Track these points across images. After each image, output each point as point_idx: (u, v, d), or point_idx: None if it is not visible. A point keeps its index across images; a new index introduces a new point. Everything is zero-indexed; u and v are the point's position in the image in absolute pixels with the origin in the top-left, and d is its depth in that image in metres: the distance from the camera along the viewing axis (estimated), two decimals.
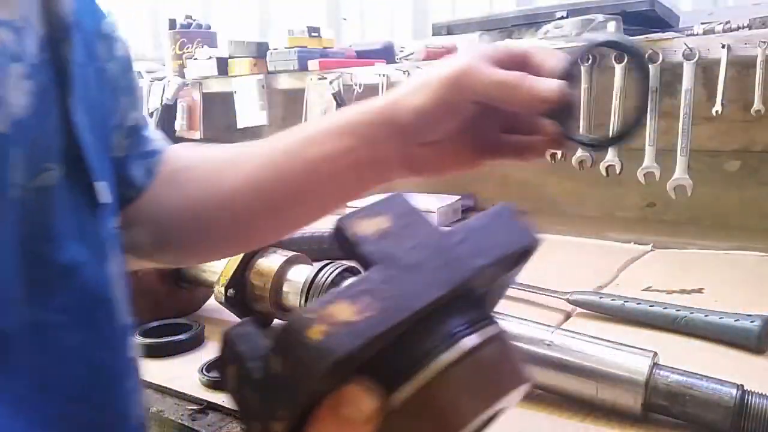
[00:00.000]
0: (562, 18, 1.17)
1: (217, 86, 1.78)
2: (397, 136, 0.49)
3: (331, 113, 0.52)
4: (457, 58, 0.48)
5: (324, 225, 1.08)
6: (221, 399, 0.58)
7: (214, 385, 0.60)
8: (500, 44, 0.52)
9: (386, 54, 1.63)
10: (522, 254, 0.34)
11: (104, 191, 0.40)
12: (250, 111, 1.69)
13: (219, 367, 0.33)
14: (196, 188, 0.52)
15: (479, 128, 0.52)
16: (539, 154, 0.54)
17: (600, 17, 1.13)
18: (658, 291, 0.83)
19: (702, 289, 0.84)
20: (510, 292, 0.83)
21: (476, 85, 0.46)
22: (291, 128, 0.52)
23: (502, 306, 0.65)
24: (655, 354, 0.52)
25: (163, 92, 1.85)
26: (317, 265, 0.70)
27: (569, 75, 0.46)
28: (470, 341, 0.27)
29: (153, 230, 0.51)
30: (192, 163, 0.53)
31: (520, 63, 0.48)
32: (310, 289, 0.68)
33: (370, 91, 1.49)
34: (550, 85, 0.45)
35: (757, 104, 1.02)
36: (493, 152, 0.55)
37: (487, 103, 0.48)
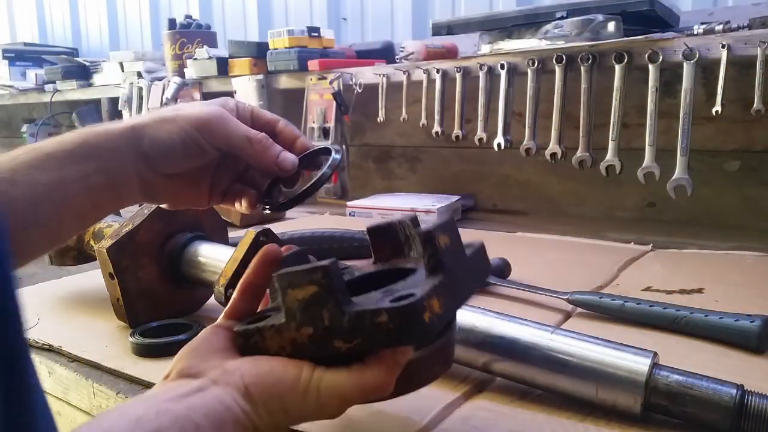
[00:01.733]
0: (562, 18, 1.17)
1: (217, 86, 1.78)
2: (137, 163, 0.51)
3: (76, 133, 0.50)
4: (211, 105, 0.54)
5: (324, 225, 1.07)
6: None
7: None
8: (255, 108, 0.60)
9: (386, 54, 1.64)
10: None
11: None
12: None
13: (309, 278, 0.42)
14: None
15: (216, 172, 0.58)
16: (250, 206, 0.60)
17: (600, 17, 1.13)
18: (658, 291, 0.83)
19: (702, 289, 0.84)
20: (510, 292, 0.83)
21: (227, 134, 0.53)
22: (18, 148, 0.49)
23: (502, 306, 0.65)
24: (655, 354, 0.52)
25: (163, 92, 1.85)
26: None
27: (309, 159, 0.58)
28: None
29: None
30: None
31: (270, 129, 0.57)
32: None
33: (370, 90, 1.49)
34: (291, 158, 0.56)
35: (757, 104, 1.02)
36: (223, 196, 0.60)
37: (231, 152, 0.55)
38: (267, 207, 0.61)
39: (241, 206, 0.60)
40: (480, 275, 0.51)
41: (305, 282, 0.41)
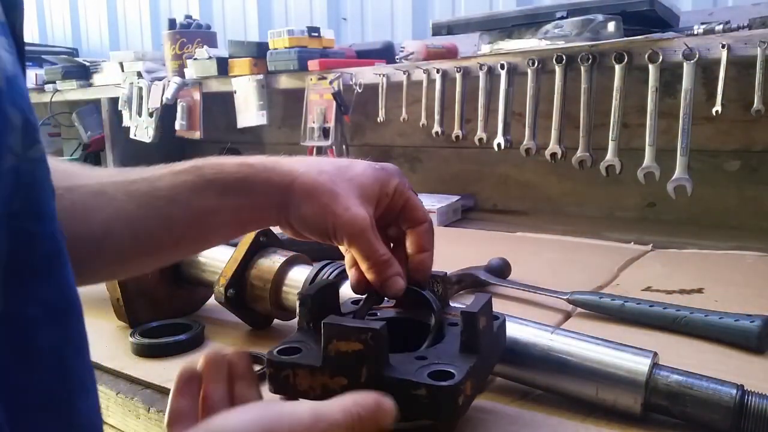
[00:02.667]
0: (562, 18, 1.17)
1: (217, 86, 1.78)
2: (280, 217, 0.53)
3: (237, 165, 0.54)
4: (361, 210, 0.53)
5: None
6: None
7: None
8: (411, 199, 0.61)
9: (386, 54, 1.63)
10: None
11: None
12: (250, 111, 1.69)
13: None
14: (63, 218, 0.50)
15: None
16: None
17: (600, 17, 1.13)
18: (658, 291, 0.83)
19: (702, 289, 0.84)
20: (511, 292, 0.83)
21: (360, 246, 0.52)
22: (176, 165, 0.54)
23: (502, 306, 0.65)
24: (655, 354, 0.52)
25: (163, 92, 1.85)
26: (317, 265, 0.70)
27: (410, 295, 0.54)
28: None
29: None
30: (66, 185, 0.50)
31: (410, 226, 0.59)
32: None
33: (370, 90, 1.49)
34: (398, 286, 0.53)
35: (757, 104, 1.02)
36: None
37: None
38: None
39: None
40: (500, 350, 0.53)
41: (353, 338, 0.43)
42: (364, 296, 0.55)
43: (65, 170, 0.51)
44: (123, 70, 2.05)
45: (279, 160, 0.54)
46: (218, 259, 0.76)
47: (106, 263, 0.52)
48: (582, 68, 1.16)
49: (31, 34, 3.12)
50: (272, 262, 0.72)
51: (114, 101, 2.08)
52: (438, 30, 1.35)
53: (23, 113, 0.30)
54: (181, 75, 1.85)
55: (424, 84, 1.40)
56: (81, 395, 0.36)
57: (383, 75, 1.46)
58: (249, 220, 0.55)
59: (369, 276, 0.53)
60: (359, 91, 1.51)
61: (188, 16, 1.99)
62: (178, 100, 1.85)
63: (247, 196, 0.52)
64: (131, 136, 2.00)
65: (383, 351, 0.44)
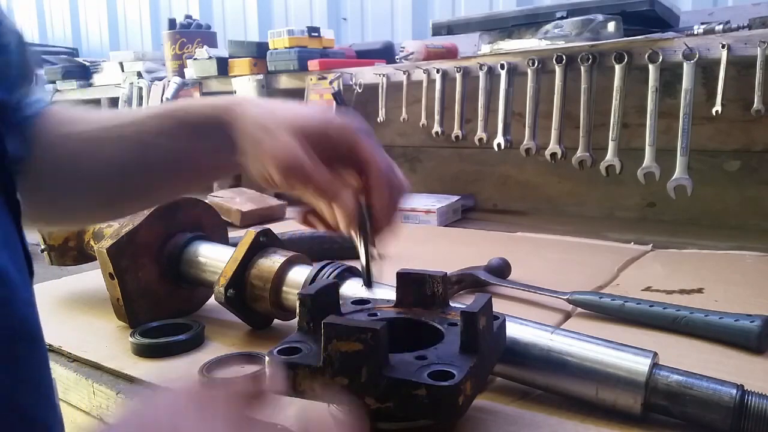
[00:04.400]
0: (562, 18, 1.17)
1: (217, 86, 1.78)
2: (234, 154, 0.53)
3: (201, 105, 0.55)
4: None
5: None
6: None
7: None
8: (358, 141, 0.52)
9: (386, 54, 1.63)
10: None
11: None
12: None
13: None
14: (68, 162, 0.53)
15: None
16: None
17: (600, 17, 1.13)
18: (658, 291, 0.83)
19: (702, 289, 0.84)
20: (511, 292, 0.83)
21: (295, 172, 0.50)
22: (140, 110, 0.58)
23: (502, 306, 0.65)
24: (655, 354, 0.52)
25: (163, 92, 1.85)
26: (317, 265, 0.70)
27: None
28: None
29: (37, 197, 0.52)
30: (65, 131, 0.54)
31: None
32: None
33: (370, 90, 1.49)
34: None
35: (757, 104, 1.02)
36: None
37: None
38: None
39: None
40: (500, 350, 0.53)
41: (353, 338, 0.43)
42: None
43: (70, 118, 0.55)
44: (123, 70, 2.05)
45: (230, 101, 0.54)
46: (218, 259, 0.76)
47: (97, 206, 0.57)
48: (582, 68, 1.16)
49: (31, 34, 3.12)
50: (272, 262, 0.72)
51: (114, 101, 2.08)
52: (438, 30, 1.35)
53: None
54: (181, 75, 1.85)
55: (424, 84, 1.40)
56: None
57: (383, 75, 1.46)
58: (215, 164, 0.57)
59: (321, 206, 0.53)
60: (359, 91, 1.51)
61: (188, 16, 1.99)
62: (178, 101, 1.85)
63: (208, 138, 0.53)
64: None
65: (383, 351, 0.44)
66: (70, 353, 0.70)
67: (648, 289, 0.85)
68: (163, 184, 0.57)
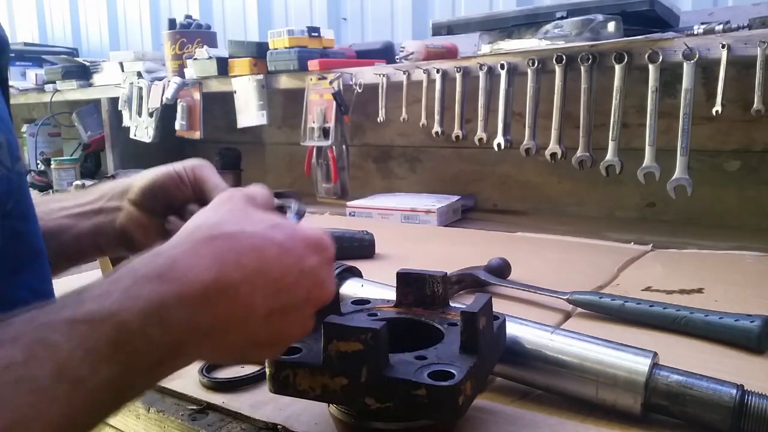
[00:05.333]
0: (562, 18, 1.17)
1: (217, 86, 1.78)
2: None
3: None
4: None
5: (324, 225, 1.08)
6: (221, 400, 0.58)
7: (214, 387, 0.60)
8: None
9: (386, 54, 1.63)
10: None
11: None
12: (250, 111, 1.69)
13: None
14: None
15: None
16: None
17: (600, 17, 1.13)
18: (658, 291, 0.83)
19: (702, 289, 0.84)
20: (511, 292, 0.83)
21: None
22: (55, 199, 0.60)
23: (502, 306, 0.65)
24: (655, 354, 0.52)
25: (163, 92, 1.85)
26: None
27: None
28: None
29: None
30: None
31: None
32: None
33: (370, 90, 1.49)
34: None
35: (757, 104, 1.02)
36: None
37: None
38: None
39: None
40: (500, 350, 0.54)
41: (353, 338, 0.43)
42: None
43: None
44: (123, 70, 2.05)
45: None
46: None
47: None
48: (582, 68, 1.16)
49: (31, 34, 3.12)
50: None
51: (114, 101, 2.08)
52: (438, 30, 1.35)
53: (6, 135, 0.38)
54: (181, 75, 1.85)
55: (424, 84, 1.40)
56: None
57: (383, 75, 1.46)
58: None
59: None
60: (359, 91, 1.51)
61: (188, 16, 1.99)
62: (178, 100, 1.85)
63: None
64: (131, 136, 2.00)
65: (383, 351, 0.44)
66: None
67: (648, 289, 0.85)
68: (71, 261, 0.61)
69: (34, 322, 0.31)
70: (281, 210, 0.55)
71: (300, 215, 0.54)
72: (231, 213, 0.42)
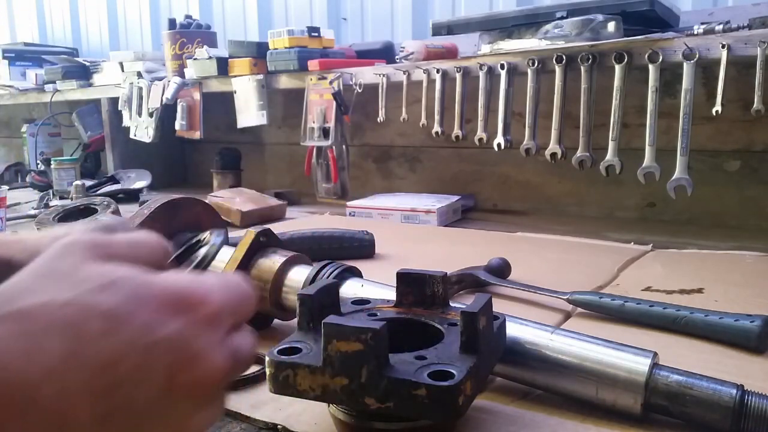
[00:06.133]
0: (562, 18, 1.17)
1: (217, 86, 1.78)
2: None
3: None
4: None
5: (324, 225, 1.07)
6: None
7: None
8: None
9: (386, 54, 1.63)
10: None
11: None
12: (250, 111, 1.69)
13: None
14: None
15: None
16: None
17: (600, 17, 1.13)
18: (658, 291, 0.83)
19: (702, 289, 0.84)
20: (510, 292, 0.83)
21: None
22: None
23: (502, 306, 0.65)
24: (655, 354, 0.52)
25: (163, 92, 1.85)
26: (317, 265, 0.70)
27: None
28: None
29: None
30: None
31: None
32: None
33: (370, 90, 1.49)
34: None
35: (757, 104, 1.02)
36: None
37: None
38: None
39: None
40: (500, 350, 0.54)
41: (353, 338, 0.43)
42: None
43: None
44: (123, 70, 2.05)
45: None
46: (218, 259, 0.76)
47: None
48: (582, 68, 1.16)
49: (31, 34, 3.12)
50: (272, 262, 0.72)
51: (114, 101, 2.08)
52: (438, 30, 1.35)
53: None
54: (181, 75, 1.85)
55: (424, 84, 1.40)
56: None
57: (383, 75, 1.46)
58: None
59: None
60: (359, 91, 1.51)
61: (188, 16, 1.99)
62: (178, 100, 1.85)
63: None
64: (131, 136, 2.00)
65: (383, 351, 0.44)
66: None
67: (648, 289, 0.85)
68: None
69: None
70: (188, 251, 0.46)
71: (209, 257, 0.46)
72: (47, 275, 0.28)
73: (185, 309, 0.28)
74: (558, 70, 1.19)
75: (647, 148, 1.11)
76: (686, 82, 1.06)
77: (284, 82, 1.65)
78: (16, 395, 0.24)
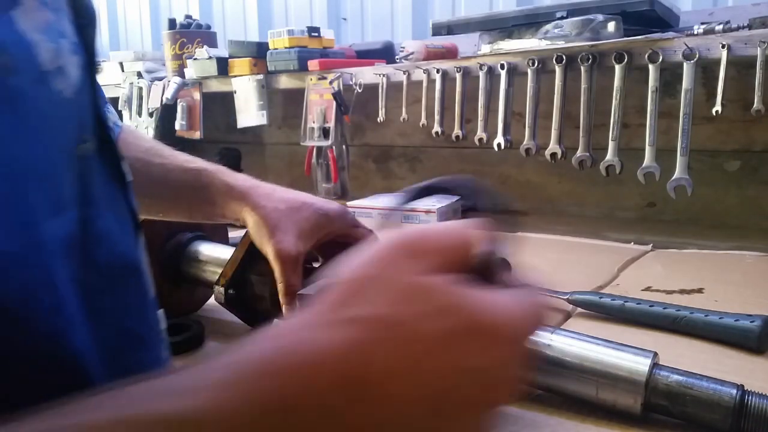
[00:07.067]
0: (562, 18, 1.17)
1: (217, 86, 1.78)
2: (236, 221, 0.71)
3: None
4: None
5: None
6: None
7: None
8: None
9: (386, 54, 1.63)
10: None
11: (128, 170, 0.43)
12: (250, 111, 1.69)
13: None
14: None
15: None
16: None
17: (600, 17, 1.13)
18: (658, 291, 0.83)
19: (702, 289, 0.84)
20: None
21: (280, 270, 0.66)
22: (182, 160, 0.71)
23: None
24: (655, 354, 0.52)
25: (163, 92, 1.85)
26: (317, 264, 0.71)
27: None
28: None
29: None
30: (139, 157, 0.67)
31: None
32: None
33: (370, 90, 1.49)
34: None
35: (757, 104, 1.02)
36: None
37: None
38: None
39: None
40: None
41: None
42: None
43: (135, 146, 0.68)
44: (123, 70, 2.05)
45: (252, 189, 0.68)
46: (218, 259, 0.76)
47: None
48: (582, 68, 1.16)
49: None
50: None
51: (114, 101, 2.08)
52: (438, 30, 1.35)
53: (78, 119, 0.37)
54: (181, 75, 1.85)
55: (424, 84, 1.40)
56: (140, 349, 0.42)
57: (383, 75, 1.46)
58: (212, 218, 0.73)
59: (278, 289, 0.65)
60: (359, 91, 1.51)
61: (188, 16, 1.99)
62: (178, 100, 1.85)
63: (222, 207, 0.69)
64: None
65: None
66: None
67: (648, 289, 0.85)
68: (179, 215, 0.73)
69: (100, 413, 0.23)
70: (486, 266, 0.35)
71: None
72: (375, 284, 0.29)
73: (503, 342, 0.31)
74: (558, 70, 1.19)
75: (647, 148, 1.11)
76: (686, 82, 1.06)
77: (284, 82, 1.65)
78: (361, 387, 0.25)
